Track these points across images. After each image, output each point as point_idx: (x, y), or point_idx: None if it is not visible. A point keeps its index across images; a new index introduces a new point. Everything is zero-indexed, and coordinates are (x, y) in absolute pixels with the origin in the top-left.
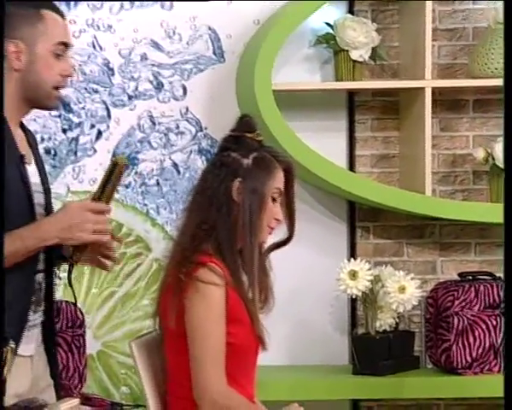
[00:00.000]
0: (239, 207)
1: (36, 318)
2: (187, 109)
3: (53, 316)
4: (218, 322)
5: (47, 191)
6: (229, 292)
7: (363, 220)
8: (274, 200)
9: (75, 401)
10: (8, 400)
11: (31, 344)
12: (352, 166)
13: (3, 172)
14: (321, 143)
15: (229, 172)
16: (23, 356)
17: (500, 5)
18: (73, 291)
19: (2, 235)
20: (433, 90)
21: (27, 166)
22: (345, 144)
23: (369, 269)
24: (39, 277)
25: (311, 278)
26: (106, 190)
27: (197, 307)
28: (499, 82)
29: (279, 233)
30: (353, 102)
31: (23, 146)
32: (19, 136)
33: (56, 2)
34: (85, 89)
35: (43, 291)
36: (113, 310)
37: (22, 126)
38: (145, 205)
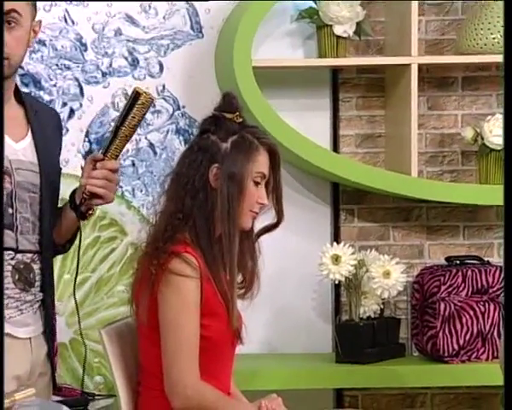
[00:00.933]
0: (217, 194)
1: (27, 298)
2: (163, 87)
3: (52, 301)
4: (192, 315)
5: (45, 172)
6: (204, 284)
7: (347, 203)
8: (256, 184)
9: (30, 391)
10: (8, 382)
11: (27, 327)
12: (335, 147)
13: (3, 171)
14: (303, 123)
15: (206, 158)
16: (20, 338)
17: None
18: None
19: (1, 235)
20: (420, 66)
21: (12, 144)
22: (328, 124)
23: (353, 253)
24: (22, 256)
25: (293, 262)
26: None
27: (170, 301)
28: (489, 58)
29: (267, 217)
30: (337, 80)
31: (15, 124)
32: (14, 112)
33: None
34: (57, 65)
35: (34, 271)
36: (86, 296)
37: (22, 102)
38: (120, 187)
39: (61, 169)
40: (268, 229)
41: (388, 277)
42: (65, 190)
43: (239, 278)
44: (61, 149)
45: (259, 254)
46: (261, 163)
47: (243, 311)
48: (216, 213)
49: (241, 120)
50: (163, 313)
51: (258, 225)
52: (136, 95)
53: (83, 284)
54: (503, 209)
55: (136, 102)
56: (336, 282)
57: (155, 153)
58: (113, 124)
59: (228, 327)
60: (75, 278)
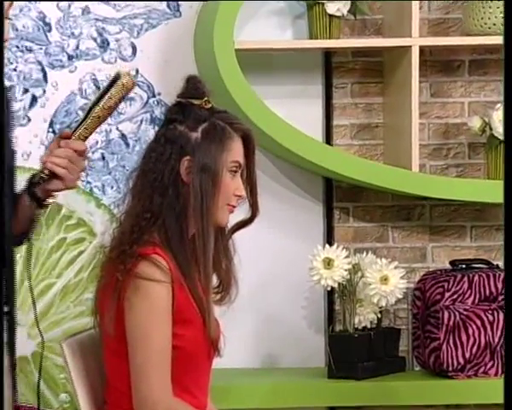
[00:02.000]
0: (189, 189)
1: None
2: (137, 72)
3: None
4: (162, 323)
5: None
6: (175, 289)
7: (341, 200)
8: (232, 174)
9: None
10: None
11: None
12: (328, 138)
13: (4, 174)
14: (292, 112)
15: (175, 150)
16: None
17: None
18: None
19: (2, 232)
20: (422, 49)
21: None
22: (320, 113)
23: (347, 256)
24: None
25: (282, 266)
26: (90, 116)
27: (138, 308)
28: (498, 40)
29: (241, 211)
30: (330, 64)
31: None
32: None
33: None
34: (17, 47)
35: None
36: (50, 305)
37: None
38: (88, 183)
39: (15, 152)
40: (242, 224)
41: (386, 283)
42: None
43: (214, 281)
44: (12, 128)
45: (235, 253)
46: (236, 151)
47: (224, 320)
48: (188, 210)
49: (210, 105)
50: (130, 322)
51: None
52: (117, 76)
53: (47, 291)
54: (503, 207)
55: (115, 83)
56: (329, 288)
57: (128, 145)
58: (80, 112)
59: (204, 337)
60: (30, 284)
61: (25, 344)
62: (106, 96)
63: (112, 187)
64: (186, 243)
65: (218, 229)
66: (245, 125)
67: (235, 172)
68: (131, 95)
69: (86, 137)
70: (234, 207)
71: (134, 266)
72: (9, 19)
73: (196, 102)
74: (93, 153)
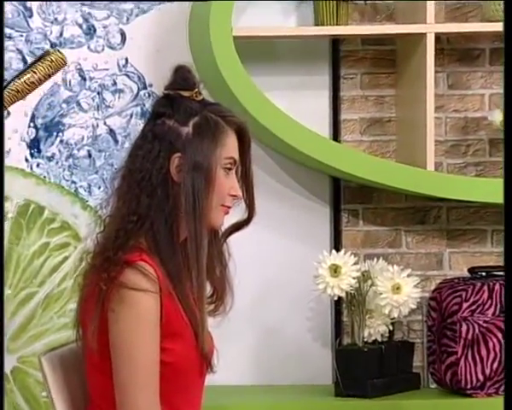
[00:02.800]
0: (179, 189)
1: None
2: (126, 61)
3: None
4: (149, 337)
5: None
6: (164, 299)
7: (350, 202)
8: (227, 172)
9: None
10: None
11: None
12: (336, 134)
13: (3, 171)
14: (296, 105)
15: (164, 147)
16: None
17: None
18: None
19: (2, 236)
20: (439, 36)
21: None
22: (327, 106)
23: (356, 263)
24: None
25: (284, 274)
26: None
27: (122, 320)
28: None
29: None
30: (338, 53)
31: None
32: None
33: None
34: None
35: None
36: (32, 316)
37: None
38: (73, 183)
39: None
40: (238, 227)
41: (399, 292)
42: (6, 186)
43: (208, 289)
44: None
45: (229, 258)
46: (230, 147)
47: (219, 332)
48: (179, 212)
49: (201, 97)
50: (114, 335)
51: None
52: (46, 53)
53: (28, 300)
54: (503, 209)
55: (42, 59)
56: (336, 298)
57: (116, 141)
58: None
59: (195, 351)
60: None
61: (4, 359)
62: (29, 70)
63: (99, 187)
64: (176, 248)
65: (212, 232)
66: (239, 117)
67: (230, 169)
68: (120, 86)
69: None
70: (229, 207)
71: (118, 275)
72: None
73: (186, 93)
74: (78, 150)
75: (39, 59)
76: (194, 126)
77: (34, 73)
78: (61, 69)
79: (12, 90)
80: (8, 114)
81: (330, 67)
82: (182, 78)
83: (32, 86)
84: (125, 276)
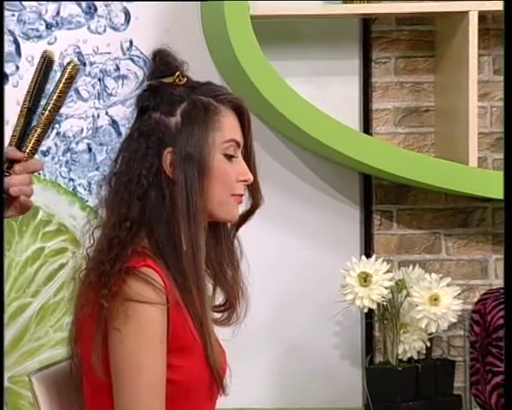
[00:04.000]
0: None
1: None
2: (130, 44)
3: None
4: (156, 354)
5: None
6: (171, 310)
7: (382, 202)
8: (230, 157)
9: None
10: None
11: None
12: (367, 126)
13: (3, 172)
14: (322, 93)
15: (152, 143)
16: None
17: None
18: None
19: (2, 233)
20: (483, 15)
21: None
22: (357, 94)
23: (388, 271)
24: None
25: (308, 283)
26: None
27: (126, 336)
28: None
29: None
30: (369, 34)
31: None
32: None
33: None
34: None
35: None
36: (25, 330)
37: None
38: (71, 180)
39: None
40: (242, 219)
41: (437, 303)
42: None
43: (220, 297)
44: None
45: (241, 257)
46: (228, 128)
47: (234, 349)
48: (179, 211)
49: (185, 80)
50: (117, 351)
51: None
52: (48, 60)
53: (20, 313)
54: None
55: (49, 73)
56: (366, 310)
57: (119, 133)
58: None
59: (205, 369)
60: None
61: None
62: (54, 96)
63: (100, 186)
64: (182, 252)
65: (216, 230)
66: (233, 94)
67: (233, 154)
68: (124, 72)
69: (37, 150)
70: (241, 196)
71: (121, 287)
72: None
73: (168, 79)
74: (77, 143)
75: (47, 71)
76: (182, 114)
77: (59, 97)
78: (76, 78)
79: (45, 124)
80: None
81: (360, 50)
82: (161, 63)
83: (58, 110)
84: (128, 285)
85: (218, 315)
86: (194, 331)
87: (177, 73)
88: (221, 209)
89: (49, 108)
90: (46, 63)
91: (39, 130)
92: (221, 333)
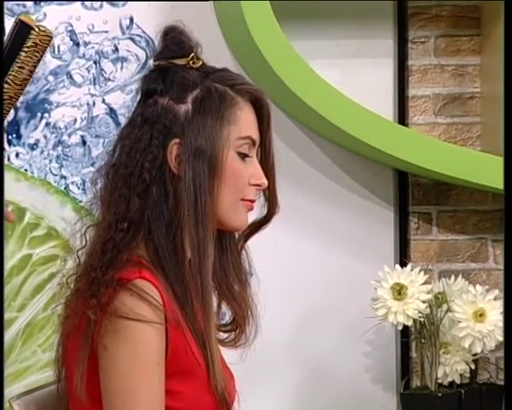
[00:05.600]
0: (182, 183)
1: None
2: (131, 21)
3: None
4: (151, 378)
5: None
6: (170, 329)
7: (420, 203)
8: (243, 157)
9: None
10: None
11: None
12: (402, 115)
13: (3, 170)
14: (350, 77)
15: (157, 132)
16: None
17: None
18: None
19: (2, 236)
20: None
21: None
22: (391, 79)
23: (427, 282)
24: None
25: (335, 296)
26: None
27: (116, 358)
28: None
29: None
30: (405, 10)
31: None
32: None
33: None
34: None
35: None
36: (9, 351)
37: None
38: (63, 178)
39: None
40: (256, 227)
41: (483, 320)
42: None
43: (227, 315)
44: None
45: (250, 271)
46: (244, 123)
47: (249, 371)
48: (183, 213)
49: (200, 63)
50: (107, 377)
51: None
52: (22, 27)
53: (4, 329)
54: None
55: (24, 42)
56: (400, 327)
57: (118, 124)
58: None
59: (210, 395)
60: None
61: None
62: (15, 66)
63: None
64: (184, 261)
65: (227, 238)
66: (253, 85)
67: (247, 154)
68: (123, 53)
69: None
70: (252, 202)
71: (111, 299)
72: None
73: (180, 61)
74: (69, 135)
75: (19, 41)
76: (193, 102)
77: (21, 68)
78: (47, 48)
79: (5, 99)
80: None
81: (395, 29)
82: (173, 42)
83: (24, 83)
84: (120, 300)
85: (223, 335)
86: (197, 353)
87: (191, 55)
88: (228, 215)
89: (7, 80)
90: (18, 29)
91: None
92: (231, 354)
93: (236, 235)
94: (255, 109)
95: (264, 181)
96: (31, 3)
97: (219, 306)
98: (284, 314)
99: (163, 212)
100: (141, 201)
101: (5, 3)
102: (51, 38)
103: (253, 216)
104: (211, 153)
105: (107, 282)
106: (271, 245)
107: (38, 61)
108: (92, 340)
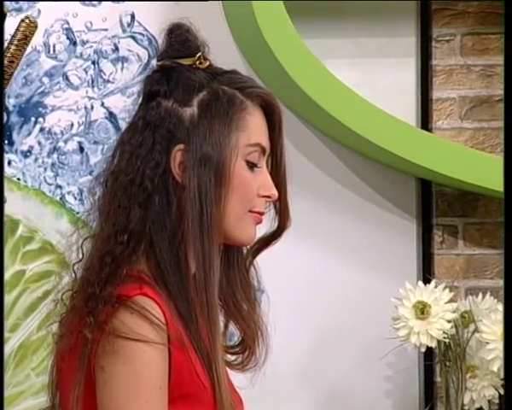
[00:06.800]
0: (187, 194)
1: None
2: (132, 18)
3: None
4: (154, 402)
5: None
6: (174, 351)
7: (445, 215)
8: (252, 165)
9: None
10: None
11: None
12: (425, 120)
13: (3, 172)
14: (370, 79)
15: (160, 137)
16: None
17: None
18: None
19: (2, 235)
20: None
21: None
22: (413, 80)
23: (452, 300)
24: None
25: (353, 316)
26: None
27: (115, 381)
28: None
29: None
30: (429, 6)
31: None
32: None
33: None
34: None
35: None
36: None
37: None
38: (58, 187)
39: None
40: (265, 242)
41: None
42: None
43: (235, 336)
44: None
45: (259, 288)
46: (254, 129)
47: (261, 397)
48: (187, 224)
49: (207, 63)
50: (105, 400)
51: None
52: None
53: None
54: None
55: (14, 36)
56: (423, 349)
57: (118, 128)
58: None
59: None
60: None
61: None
62: (6, 55)
63: None
64: (188, 276)
65: (234, 253)
66: (264, 88)
67: (255, 164)
68: (124, 53)
69: None
70: (261, 214)
71: (109, 317)
72: None
73: (186, 61)
74: (66, 142)
75: (11, 40)
76: (200, 105)
77: (11, 63)
78: (32, 37)
79: None
80: None
81: (418, 26)
82: (178, 41)
83: (11, 77)
84: (119, 318)
85: (231, 357)
86: (203, 375)
87: (197, 55)
88: (235, 227)
89: None
90: (23, 30)
91: None
92: (240, 378)
93: (244, 250)
94: (266, 115)
95: (275, 192)
96: None
97: (226, 326)
98: (297, 335)
99: (166, 223)
100: (142, 211)
101: None
102: (37, 26)
103: (262, 230)
104: (217, 160)
105: (106, 298)
106: (283, 261)
107: (23, 50)
108: (89, 361)
